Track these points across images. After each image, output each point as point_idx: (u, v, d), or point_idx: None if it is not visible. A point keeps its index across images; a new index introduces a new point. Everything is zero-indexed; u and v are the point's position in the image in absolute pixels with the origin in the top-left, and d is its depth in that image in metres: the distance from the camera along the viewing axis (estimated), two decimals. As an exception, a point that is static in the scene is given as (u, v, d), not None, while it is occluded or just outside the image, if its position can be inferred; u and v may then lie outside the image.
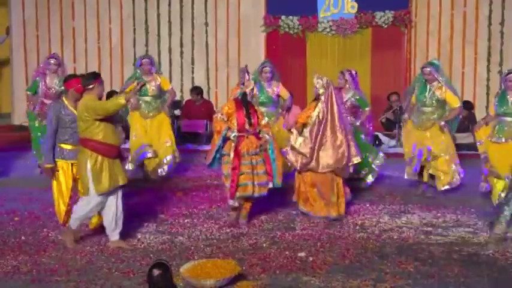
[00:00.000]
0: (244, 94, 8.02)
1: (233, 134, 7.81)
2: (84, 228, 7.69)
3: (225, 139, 7.88)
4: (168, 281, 5.26)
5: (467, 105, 12.59)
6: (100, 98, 7.17)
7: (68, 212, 7.39)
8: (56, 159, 7.32)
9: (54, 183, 7.40)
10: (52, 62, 10.18)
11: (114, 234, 7.25)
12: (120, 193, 7.19)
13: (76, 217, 7.22)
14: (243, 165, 7.80)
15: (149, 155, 10.12)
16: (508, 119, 8.41)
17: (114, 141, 7.09)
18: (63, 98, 7.42)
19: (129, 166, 10.05)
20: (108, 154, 7.04)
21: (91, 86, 7.09)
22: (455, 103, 9.09)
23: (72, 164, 7.32)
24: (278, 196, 9.15)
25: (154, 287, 5.22)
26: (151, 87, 10.14)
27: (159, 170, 10.21)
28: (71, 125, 7.26)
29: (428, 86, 9.09)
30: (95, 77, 7.21)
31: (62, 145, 7.31)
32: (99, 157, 6.99)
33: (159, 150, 10.17)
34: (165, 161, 10.22)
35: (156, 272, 5.22)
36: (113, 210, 7.15)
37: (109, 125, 7.06)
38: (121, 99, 6.92)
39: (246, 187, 7.83)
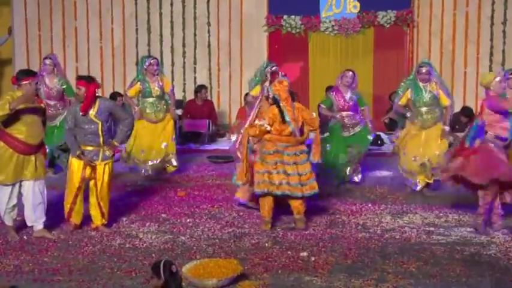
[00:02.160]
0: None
1: None
2: (86, 228, 7.73)
3: None
4: (179, 282, 5.24)
5: (467, 112, 12.43)
6: (30, 97, 7.16)
7: (71, 210, 7.60)
8: (71, 157, 7.57)
9: (68, 181, 7.61)
10: (48, 62, 10.20)
11: (36, 225, 7.46)
12: (36, 185, 7.34)
13: (1, 212, 7.39)
14: None
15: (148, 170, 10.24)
16: None
17: (28, 139, 7.16)
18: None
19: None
20: (18, 150, 7.16)
21: (20, 83, 7.19)
22: (445, 101, 9.17)
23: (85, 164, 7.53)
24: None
25: (170, 283, 5.15)
26: (155, 88, 10.10)
27: (144, 170, 10.26)
28: (84, 126, 7.45)
29: (422, 86, 9.11)
30: (27, 74, 7.29)
31: (81, 146, 7.50)
32: (9, 150, 7.15)
33: (157, 153, 10.22)
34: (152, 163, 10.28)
35: (174, 268, 5.18)
36: (30, 202, 7.35)
37: (27, 122, 7.12)
38: (5, 110, 6.94)
39: None
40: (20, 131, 7.14)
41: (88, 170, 7.55)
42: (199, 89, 13.52)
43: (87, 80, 7.52)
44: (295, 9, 13.77)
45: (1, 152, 7.19)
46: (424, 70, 9.11)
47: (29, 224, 7.51)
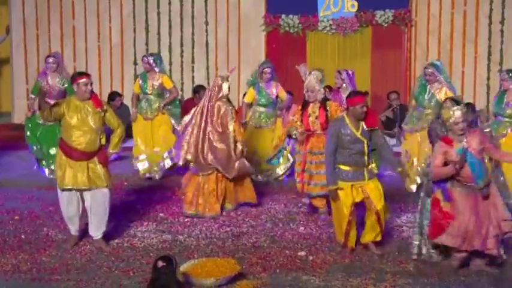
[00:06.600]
0: None
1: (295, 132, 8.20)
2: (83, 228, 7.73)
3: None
4: (171, 275, 5.20)
5: (469, 107, 12.44)
6: (84, 99, 7.01)
7: (347, 234, 6.95)
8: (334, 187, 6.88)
9: (335, 204, 6.98)
10: (51, 60, 10.19)
11: (95, 235, 7.23)
12: (94, 194, 7.10)
13: (65, 219, 7.28)
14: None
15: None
16: (501, 119, 8.64)
17: (77, 145, 6.98)
18: (345, 116, 6.88)
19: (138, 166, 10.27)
20: (67, 155, 7.02)
21: (73, 84, 7.10)
22: None
23: (352, 185, 6.85)
24: (278, 195, 9.16)
25: (157, 280, 5.16)
26: (150, 85, 10.18)
27: (150, 174, 10.21)
28: (350, 146, 6.80)
29: (428, 88, 9.13)
30: (79, 75, 7.16)
31: (341, 166, 6.86)
32: (64, 155, 7.06)
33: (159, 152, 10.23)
34: (156, 168, 10.27)
35: (160, 263, 5.17)
36: (89, 211, 7.16)
37: (77, 127, 6.96)
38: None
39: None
40: (69, 136, 6.98)
41: (357, 193, 6.90)
42: (198, 89, 13.50)
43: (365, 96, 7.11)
44: (293, 9, 13.76)
45: (58, 157, 7.15)
46: (428, 71, 9.12)
47: (90, 232, 7.26)
